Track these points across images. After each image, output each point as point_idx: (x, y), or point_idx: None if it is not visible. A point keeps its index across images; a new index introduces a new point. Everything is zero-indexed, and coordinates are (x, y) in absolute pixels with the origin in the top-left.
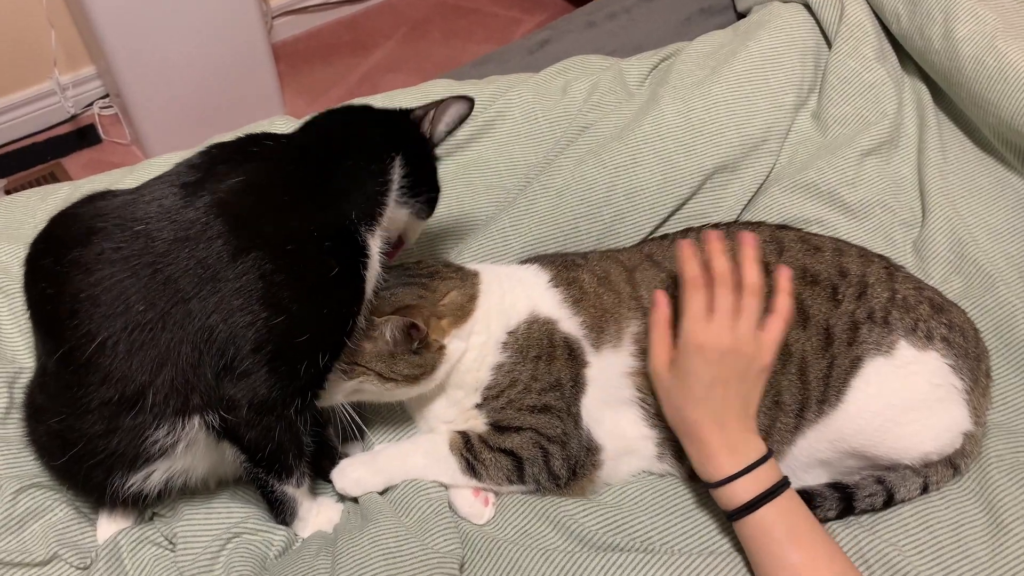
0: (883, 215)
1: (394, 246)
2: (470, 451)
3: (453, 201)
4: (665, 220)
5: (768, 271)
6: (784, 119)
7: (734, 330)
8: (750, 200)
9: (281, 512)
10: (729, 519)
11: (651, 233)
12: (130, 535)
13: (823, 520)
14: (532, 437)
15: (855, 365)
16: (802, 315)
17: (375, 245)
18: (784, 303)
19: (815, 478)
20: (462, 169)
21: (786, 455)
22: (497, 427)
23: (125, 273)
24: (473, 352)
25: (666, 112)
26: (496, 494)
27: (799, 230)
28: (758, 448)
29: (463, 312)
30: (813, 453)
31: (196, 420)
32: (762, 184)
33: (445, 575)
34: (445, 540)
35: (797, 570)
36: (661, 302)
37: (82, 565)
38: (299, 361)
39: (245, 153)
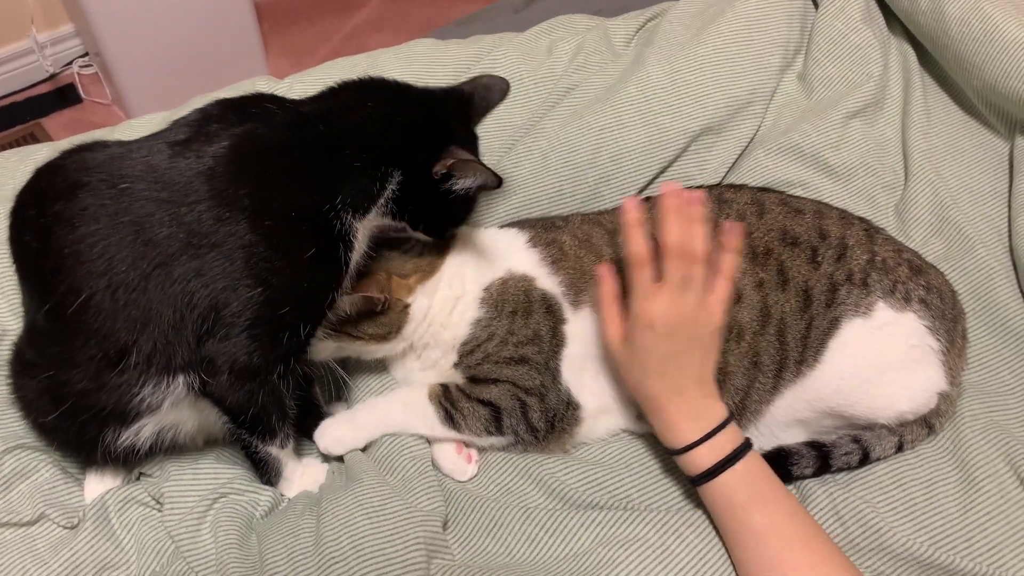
0: (866, 178)
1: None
2: (449, 400)
3: None
4: (650, 182)
5: (749, 232)
6: (769, 81)
7: (682, 301)
8: (735, 163)
9: (266, 472)
10: (693, 484)
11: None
12: (117, 495)
13: (799, 477)
14: (509, 389)
15: (833, 326)
16: (782, 277)
17: (363, 231)
18: (728, 261)
19: (793, 437)
20: None
21: (764, 415)
22: (475, 380)
23: (108, 231)
24: (443, 307)
25: (651, 74)
26: (478, 449)
27: (781, 193)
28: (719, 413)
29: (430, 268)
30: (791, 413)
31: (180, 380)
32: (747, 146)
33: (428, 533)
34: (429, 498)
35: (760, 532)
36: (606, 277)
37: (69, 525)
38: (280, 330)
39: (243, 114)
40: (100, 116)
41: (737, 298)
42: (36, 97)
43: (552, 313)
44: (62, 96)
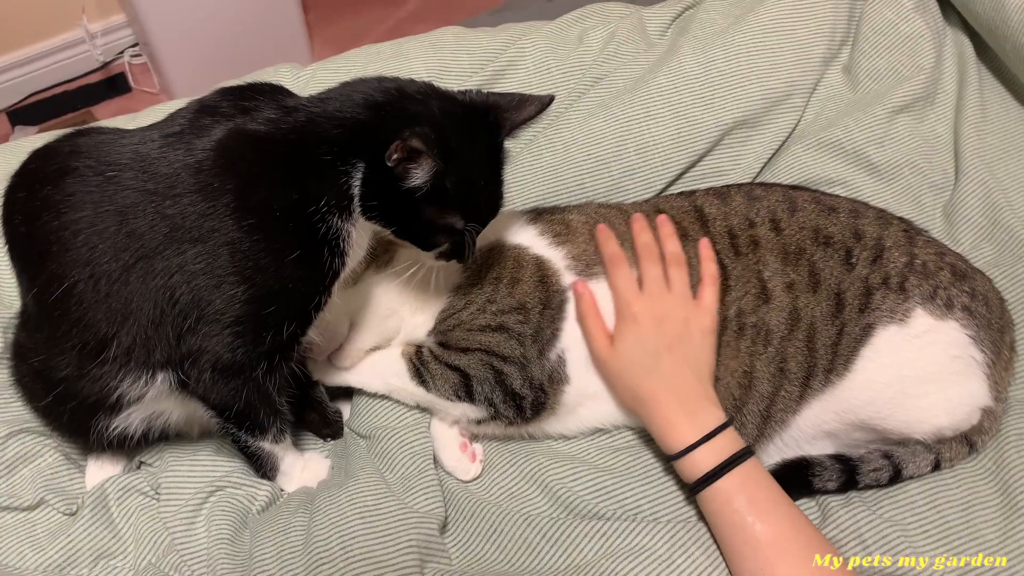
0: (912, 177)
1: None
2: (420, 359)
3: None
4: (678, 177)
5: (780, 229)
6: (811, 73)
7: (666, 298)
8: (771, 158)
9: (261, 467)
10: (692, 493)
11: (663, 191)
12: (118, 483)
13: (821, 491)
14: (482, 357)
15: (866, 333)
16: (813, 279)
17: (357, 234)
18: (709, 269)
19: (820, 451)
20: None
21: (790, 425)
22: (445, 346)
23: (93, 219)
24: (426, 274)
25: (684, 63)
26: (476, 438)
27: (815, 191)
28: (717, 416)
29: None
30: (819, 424)
31: (159, 376)
32: (784, 142)
33: (423, 535)
34: (427, 499)
35: (760, 542)
36: (584, 293)
37: (68, 511)
38: (263, 329)
39: (237, 107)
40: (148, 105)
41: (766, 299)
42: (87, 86)
43: (545, 284)
44: (112, 85)
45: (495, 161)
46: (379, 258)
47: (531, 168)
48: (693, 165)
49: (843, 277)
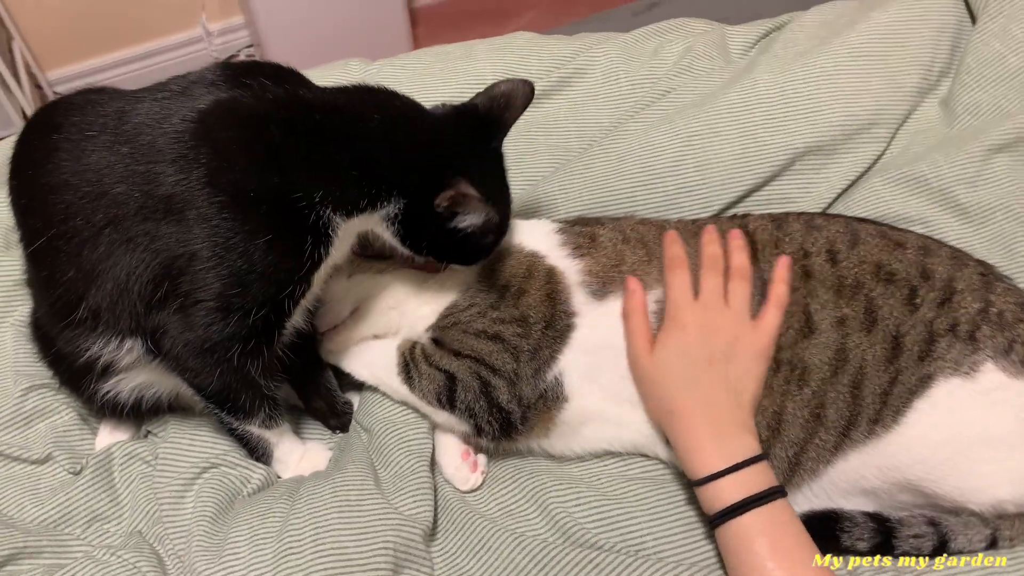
0: (1006, 222)
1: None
2: (411, 355)
3: (510, 159)
4: (740, 200)
5: (837, 260)
6: (901, 103)
7: (722, 312)
8: (846, 189)
9: (252, 451)
10: (711, 525)
11: (720, 212)
12: (124, 449)
13: (849, 550)
14: (471, 365)
15: (924, 384)
16: (869, 317)
17: (347, 230)
18: (779, 290)
19: (856, 507)
20: (526, 127)
21: (821, 476)
22: (439, 344)
23: (70, 177)
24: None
25: (759, 81)
26: (480, 448)
27: (882, 224)
28: (751, 446)
29: None
30: (856, 479)
31: (128, 343)
32: (863, 173)
33: (403, 539)
34: (415, 502)
35: None
36: (635, 289)
37: (73, 470)
38: (231, 311)
39: (236, 82)
40: None
41: (808, 333)
42: None
43: (552, 301)
44: None
45: (504, 171)
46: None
47: (582, 177)
48: (757, 189)
49: (904, 319)
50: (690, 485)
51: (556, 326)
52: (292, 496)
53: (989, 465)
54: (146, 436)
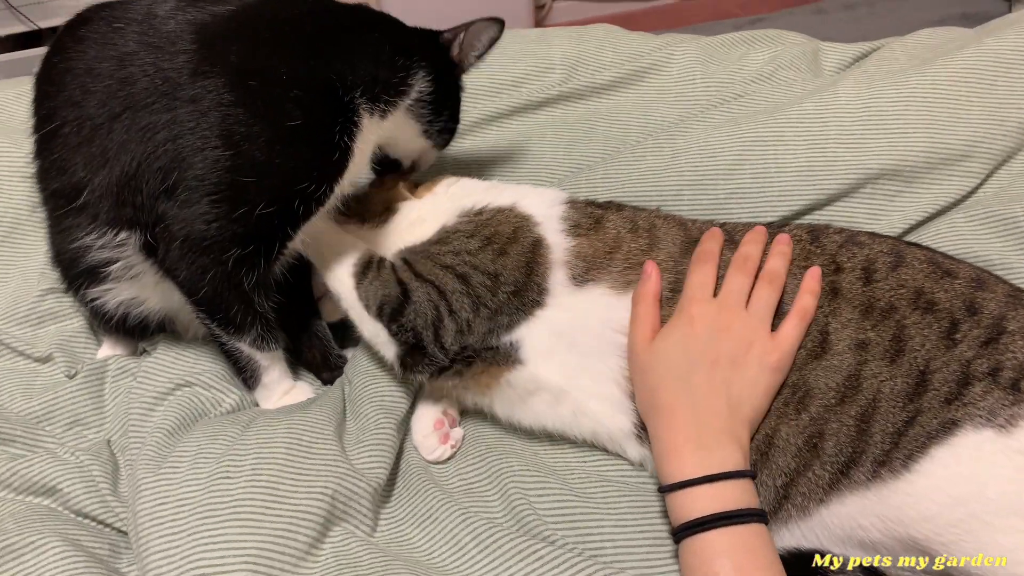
0: None
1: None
2: (377, 259)
3: (560, 145)
4: (797, 215)
5: (872, 280)
6: (1003, 139)
7: (738, 312)
8: (921, 222)
9: (241, 371)
10: (674, 539)
11: (772, 225)
12: (119, 362)
13: None
14: (431, 294)
15: (947, 429)
16: (896, 345)
17: (371, 126)
18: (804, 302)
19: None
20: (588, 115)
21: (812, 516)
22: (406, 263)
23: (92, 63)
24: (429, 209)
25: (840, 93)
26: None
27: (936, 251)
28: (737, 460)
29: (428, 186)
30: (853, 527)
31: (124, 234)
32: (945, 208)
33: (345, 490)
34: (370, 457)
35: None
36: (652, 274)
37: (68, 373)
38: (241, 204)
39: None
40: None
41: (819, 353)
42: None
43: (529, 270)
44: None
45: None
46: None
47: (629, 168)
48: (819, 206)
49: (936, 353)
50: (657, 488)
51: (524, 297)
52: (249, 424)
53: (1013, 537)
54: (142, 354)
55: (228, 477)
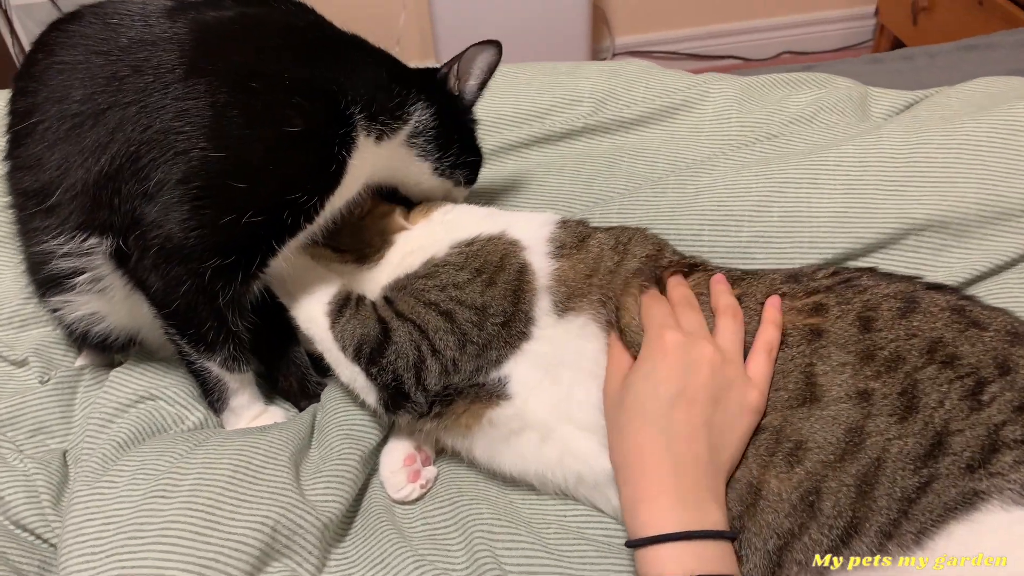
0: None
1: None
2: (355, 296)
3: (580, 178)
4: (827, 262)
5: (870, 328)
6: None
7: (709, 343)
8: (970, 281)
9: (209, 393)
10: None
11: None
12: (95, 373)
13: None
14: (412, 334)
15: (968, 502)
16: (906, 401)
17: (367, 146)
18: (768, 334)
19: None
20: (613, 149)
21: None
22: (388, 301)
23: (80, 59)
24: (420, 239)
25: (884, 137)
26: (439, 457)
27: (965, 295)
28: (716, 519)
29: (424, 211)
30: None
31: (95, 241)
32: (999, 267)
33: (290, 523)
34: (326, 489)
35: None
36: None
37: (42, 379)
38: (228, 211)
39: (264, 3)
40: None
41: (810, 398)
42: None
43: (517, 298)
44: None
45: None
46: (369, 256)
47: (647, 205)
48: (853, 256)
49: (958, 414)
50: (626, 543)
51: (512, 328)
52: (202, 443)
53: None
54: (118, 366)
55: (163, 496)
